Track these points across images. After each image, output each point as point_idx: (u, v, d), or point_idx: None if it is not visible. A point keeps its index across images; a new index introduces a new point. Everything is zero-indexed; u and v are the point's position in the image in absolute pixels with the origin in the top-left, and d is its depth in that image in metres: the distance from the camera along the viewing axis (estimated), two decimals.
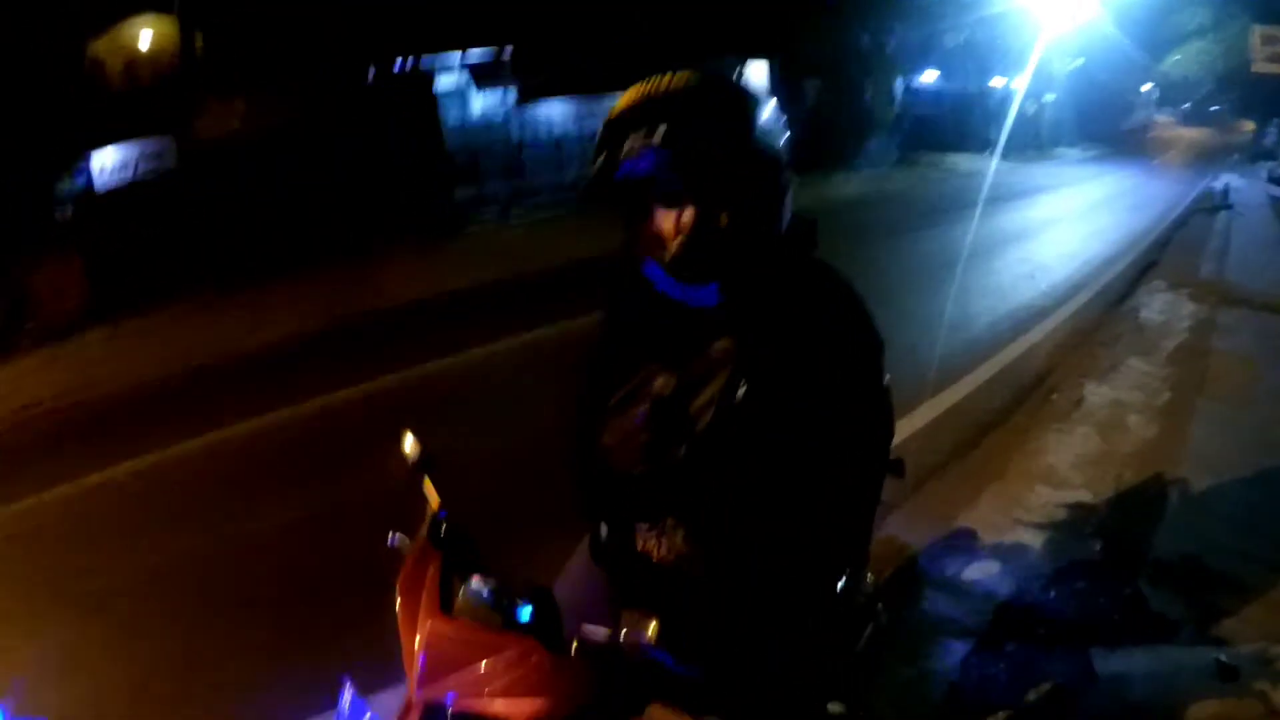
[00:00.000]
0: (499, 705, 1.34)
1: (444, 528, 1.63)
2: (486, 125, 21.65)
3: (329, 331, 10.44)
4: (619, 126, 1.46)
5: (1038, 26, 25.16)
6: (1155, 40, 32.25)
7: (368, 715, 1.43)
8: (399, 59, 18.88)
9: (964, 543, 3.77)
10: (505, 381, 7.06)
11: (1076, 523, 3.97)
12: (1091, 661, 2.99)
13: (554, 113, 22.56)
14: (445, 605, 1.46)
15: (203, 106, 17.84)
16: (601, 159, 1.47)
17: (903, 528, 3.75)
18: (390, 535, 1.76)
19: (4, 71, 15.73)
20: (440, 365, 7.52)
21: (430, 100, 18.21)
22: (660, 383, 1.60)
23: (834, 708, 1.90)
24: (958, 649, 3.08)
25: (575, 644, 1.37)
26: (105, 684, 3.64)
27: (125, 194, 17.32)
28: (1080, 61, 33.41)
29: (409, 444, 1.82)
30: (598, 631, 1.36)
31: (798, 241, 1.62)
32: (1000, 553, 3.71)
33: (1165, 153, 34.14)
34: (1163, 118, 53.71)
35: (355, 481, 5.35)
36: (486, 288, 11.54)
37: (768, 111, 1.52)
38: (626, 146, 1.43)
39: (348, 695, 1.48)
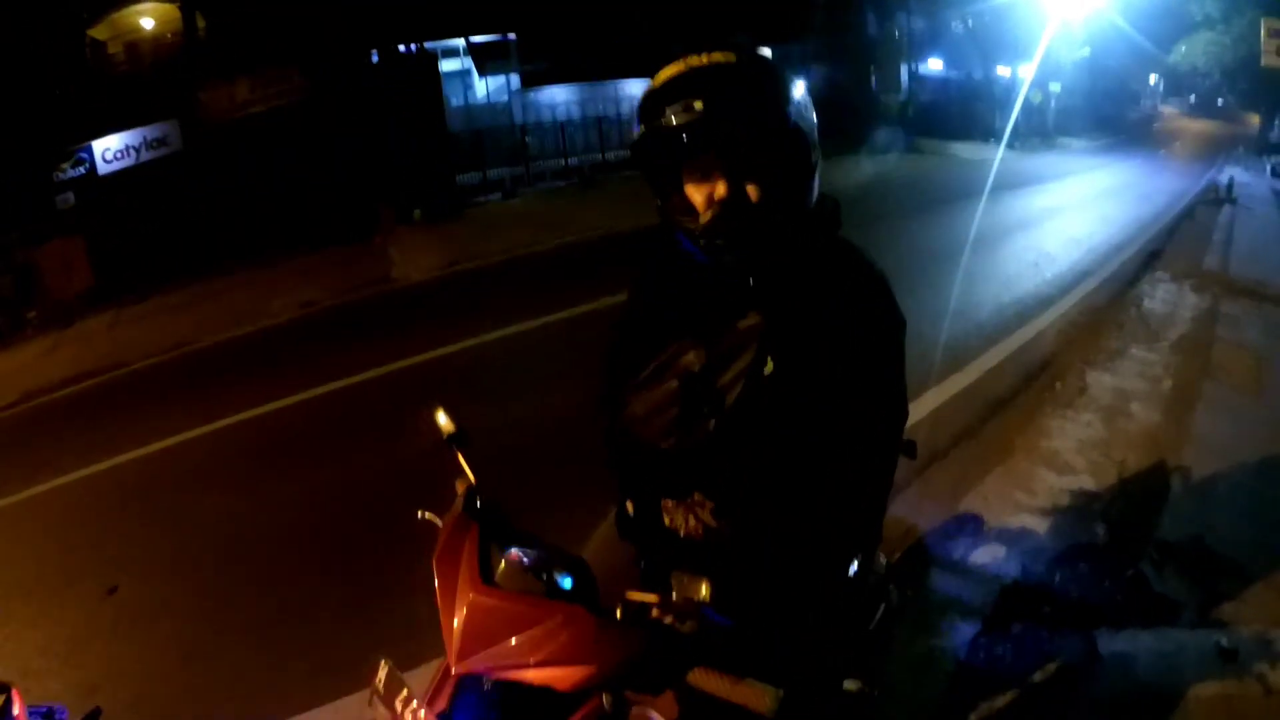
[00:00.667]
0: (544, 673, 1.35)
1: (479, 500, 1.65)
2: (490, 109, 21.73)
3: (337, 310, 10.48)
4: (659, 98, 1.50)
5: (1045, 15, 25.05)
6: (1162, 31, 32.03)
7: (404, 691, 1.45)
8: (403, 43, 18.83)
9: (970, 525, 3.83)
10: (512, 361, 7.12)
11: (1080, 507, 4.03)
12: (1096, 642, 3.05)
13: (557, 98, 22.61)
14: (485, 576, 1.48)
15: (206, 89, 17.79)
16: (641, 129, 1.52)
17: (911, 510, 3.80)
18: (419, 513, 1.79)
19: (6, 58, 15.71)
20: (453, 347, 7.55)
21: (435, 84, 18.19)
22: (690, 357, 1.61)
23: (849, 684, 1.93)
24: (965, 629, 3.14)
25: (620, 610, 1.40)
26: (130, 659, 3.71)
27: (128, 179, 17.30)
28: (1087, 51, 33.30)
29: (442, 419, 1.85)
30: (646, 596, 1.39)
31: (824, 220, 1.66)
32: (1006, 536, 3.76)
33: (1171, 144, 34.02)
34: (1169, 109, 53.53)
35: (376, 457, 5.45)
36: (488, 269, 11.54)
37: (800, 91, 1.55)
38: (666, 117, 1.47)
39: (383, 672, 1.50)
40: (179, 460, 6.07)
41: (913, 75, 31.15)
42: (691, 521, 1.72)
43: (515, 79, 22.37)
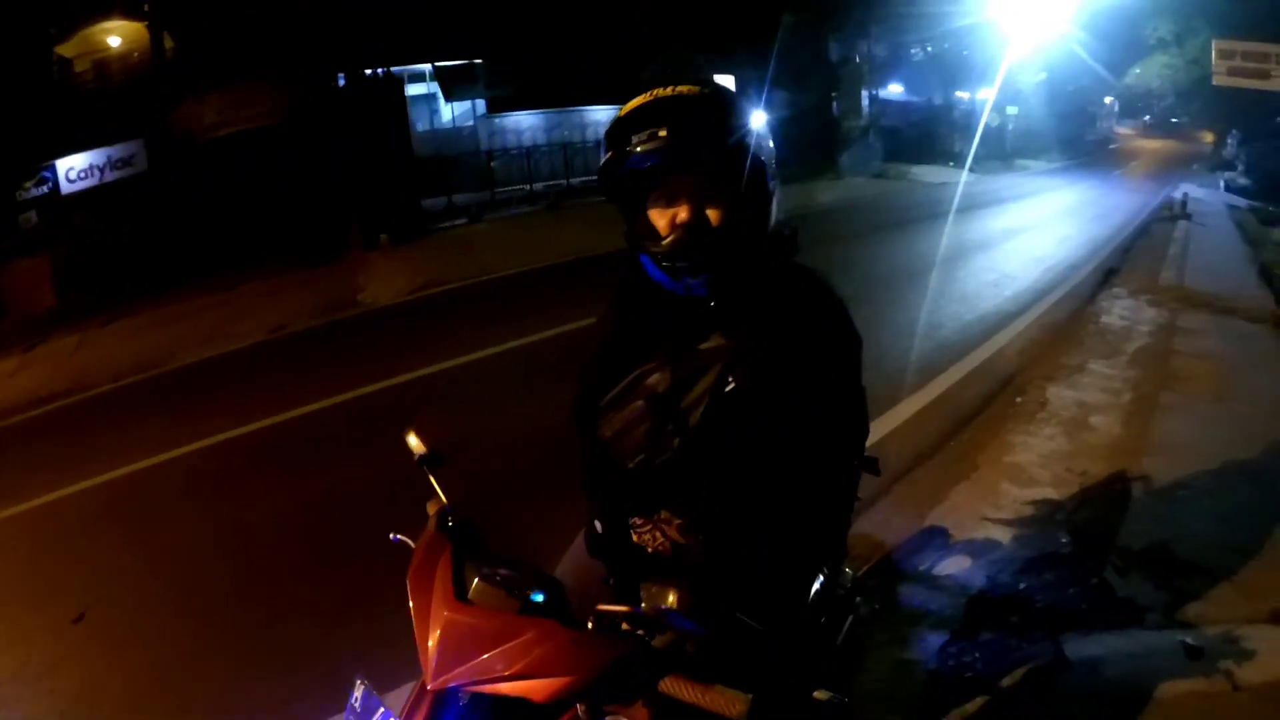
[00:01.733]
0: (520, 686, 1.38)
1: (451, 520, 1.68)
2: (456, 134, 21.77)
3: (305, 333, 10.40)
4: (626, 125, 1.57)
5: (1003, 41, 25.57)
6: (1118, 54, 32.85)
7: (380, 710, 1.46)
8: (370, 67, 18.84)
9: (936, 539, 3.88)
10: (481, 385, 7.11)
11: (1044, 518, 4.10)
12: (1063, 647, 3.10)
13: (523, 123, 22.71)
14: (459, 594, 1.50)
15: (174, 109, 17.68)
16: (609, 155, 1.58)
17: (877, 525, 3.85)
18: (391, 535, 1.80)
19: None
20: (423, 371, 7.56)
21: (401, 108, 18.23)
22: (655, 378, 1.68)
23: (820, 695, 1.96)
24: (934, 639, 3.18)
25: (592, 623, 1.43)
26: (103, 684, 3.66)
27: (93, 198, 17.12)
28: (1044, 75, 33.99)
29: (413, 440, 1.87)
30: (617, 608, 1.42)
31: (782, 244, 1.73)
32: (971, 548, 3.82)
33: (1127, 163, 34.76)
34: (1125, 129, 54.67)
35: (347, 480, 5.42)
36: (455, 293, 11.54)
37: (760, 122, 1.63)
38: (632, 143, 1.54)
39: (359, 691, 1.51)
40: (147, 483, 5.99)
41: (874, 100, 31.61)
42: (659, 538, 1.76)
43: (481, 104, 22.43)
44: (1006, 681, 2.98)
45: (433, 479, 1.80)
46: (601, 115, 23.34)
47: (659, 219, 1.62)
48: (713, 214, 1.59)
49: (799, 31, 24.48)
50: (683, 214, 1.59)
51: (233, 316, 11.75)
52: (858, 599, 2.33)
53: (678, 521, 1.74)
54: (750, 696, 1.33)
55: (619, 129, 1.58)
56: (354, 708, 1.50)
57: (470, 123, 22.22)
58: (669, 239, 1.60)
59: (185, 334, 11.20)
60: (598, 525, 1.87)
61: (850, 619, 2.30)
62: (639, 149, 1.53)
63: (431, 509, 1.76)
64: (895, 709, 2.87)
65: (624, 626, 1.46)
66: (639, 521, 1.80)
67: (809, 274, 1.73)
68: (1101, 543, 3.84)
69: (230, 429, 6.63)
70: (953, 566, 3.67)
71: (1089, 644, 3.15)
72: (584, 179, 21.11)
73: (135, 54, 20.25)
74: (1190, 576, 3.56)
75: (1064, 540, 3.89)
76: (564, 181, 21.31)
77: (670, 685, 1.38)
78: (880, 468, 2.07)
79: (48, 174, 16.91)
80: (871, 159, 26.74)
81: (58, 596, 4.47)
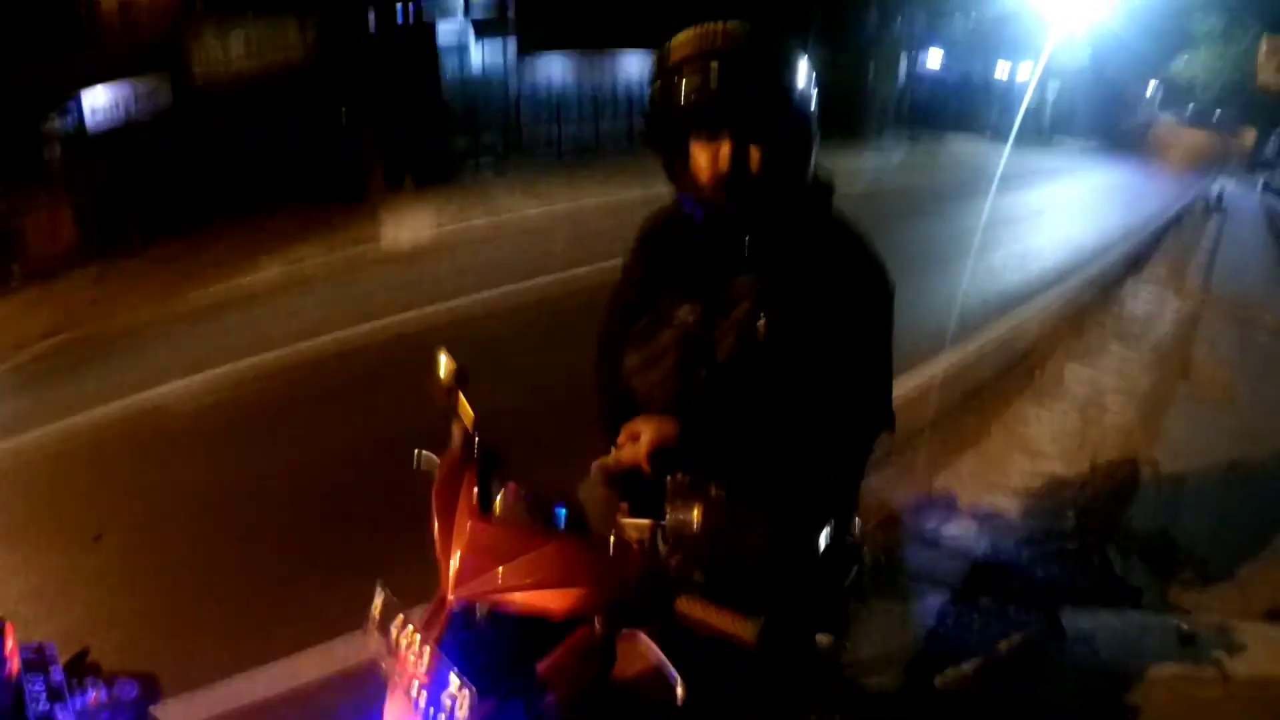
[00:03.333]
0: (539, 596, 1.41)
1: (477, 440, 1.70)
2: (485, 75, 21.52)
3: (326, 267, 10.45)
4: (675, 60, 1.57)
5: (1048, 17, 25.10)
6: (1164, 41, 32.17)
7: (399, 616, 1.48)
8: (400, 3, 18.67)
9: (944, 502, 3.93)
10: (503, 322, 7.15)
11: (1051, 492, 4.13)
12: (1060, 619, 3.15)
13: (553, 67, 22.44)
14: (484, 509, 1.54)
15: (199, 45, 17.58)
16: (657, 84, 1.60)
17: (887, 482, 3.89)
18: (416, 454, 1.82)
19: None
20: (442, 305, 7.61)
21: (431, 48, 18.06)
22: (684, 311, 1.69)
23: (821, 637, 2.01)
24: (935, 599, 3.23)
25: (612, 539, 1.46)
26: (116, 606, 3.70)
27: (117, 134, 17.10)
28: (1088, 54, 33.38)
29: (443, 362, 1.89)
30: (639, 523, 1.45)
31: (820, 191, 1.74)
32: (977, 514, 3.86)
33: (1165, 153, 34.21)
34: (1165, 118, 53.63)
35: (368, 414, 5.47)
36: (477, 232, 11.55)
37: (807, 68, 1.63)
38: (681, 78, 1.54)
39: (379, 598, 1.52)
40: (166, 413, 6.05)
41: (912, 69, 31.14)
42: (680, 472, 1.78)
43: (512, 45, 22.18)
44: (1002, 646, 3.04)
45: (461, 396, 1.81)
46: (633, 60, 23.05)
47: (700, 155, 1.62)
48: (755, 153, 1.58)
49: None
50: (725, 151, 1.58)
51: (253, 251, 11.82)
52: (864, 550, 2.37)
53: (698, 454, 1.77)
54: (761, 620, 1.36)
55: (667, 63, 1.59)
56: (373, 616, 1.52)
57: (500, 64, 21.96)
58: (710, 175, 1.60)
59: (207, 267, 11.29)
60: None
61: (855, 569, 2.34)
62: (689, 85, 1.54)
63: (456, 429, 1.77)
64: (891, 662, 2.93)
65: (637, 546, 1.48)
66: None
67: (844, 222, 1.74)
68: (1105, 523, 3.88)
69: (249, 357, 6.68)
70: (958, 530, 3.72)
71: (1085, 619, 3.19)
72: (612, 124, 20.96)
73: None
74: (1188, 566, 3.61)
75: (1069, 516, 3.93)
76: (593, 125, 21.14)
77: (685, 604, 1.42)
78: (894, 424, 2.10)
79: (72, 107, 16.88)
80: (905, 126, 26.41)
81: (75, 520, 4.49)
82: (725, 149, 1.58)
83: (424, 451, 1.81)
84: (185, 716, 2.88)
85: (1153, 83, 47.62)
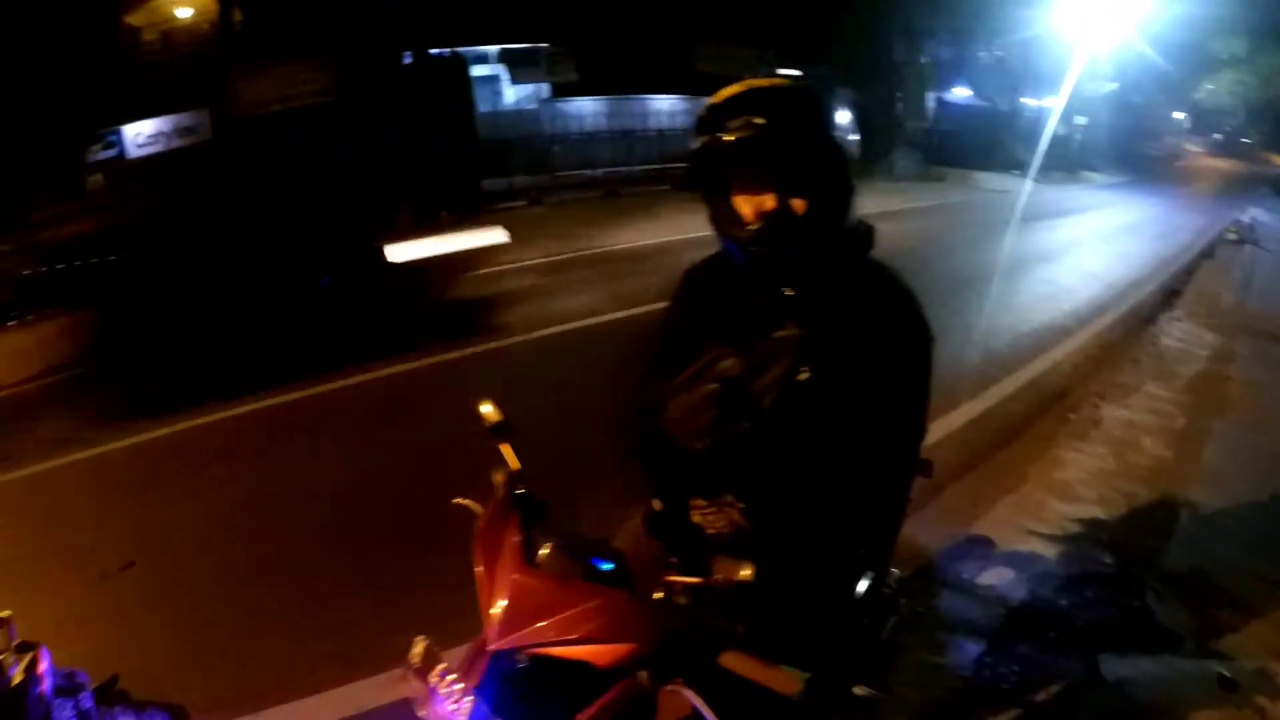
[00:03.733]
0: (584, 650, 1.44)
1: (519, 489, 1.74)
2: (518, 117, 21.86)
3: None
4: (722, 112, 1.64)
5: (1072, 49, 25.10)
6: (1188, 68, 32.03)
7: (440, 667, 1.51)
8: (436, 47, 19.02)
9: (980, 548, 3.91)
10: (535, 361, 7.22)
11: (1088, 535, 4.10)
12: (1099, 666, 3.12)
13: (585, 109, 22.76)
14: (528, 560, 1.57)
15: (240, 81, 17.99)
16: (701, 140, 1.65)
17: (922, 529, 3.87)
18: (455, 500, 1.86)
19: (41, 40, 15.94)
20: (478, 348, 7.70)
21: (465, 89, 18.36)
22: (728, 363, 1.72)
23: (859, 690, 2.00)
24: (971, 647, 3.22)
25: (660, 593, 1.49)
26: (144, 635, 3.76)
27: (157, 164, 17.52)
28: (1113, 86, 33.29)
29: (487, 409, 1.93)
30: (688, 579, 1.48)
31: (860, 239, 1.78)
32: (1014, 560, 3.84)
33: (1194, 182, 33.96)
34: (1193, 146, 53.27)
35: (403, 447, 5.56)
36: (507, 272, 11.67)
37: (844, 118, 1.68)
38: (727, 129, 1.61)
39: (419, 648, 1.56)
40: (194, 441, 6.14)
41: (939, 102, 31.21)
42: (721, 521, 1.81)
43: (545, 88, 22.52)
44: (1040, 696, 3.02)
45: (505, 448, 1.85)
46: (663, 105, 23.31)
47: (744, 205, 1.67)
48: (796, 204, 1.64)
49: (863, 28, 24.26)
50: (768, 202, 1.64)
51: None
52: (901, 599, 2.37)
53: (741, 505, 1.79)
54: (807, 675, 1.38)
55: (714, 114, 1.65)
56: (412, 663, 1.55)
57: (533, 106, 22.29)
58: (754, 224, 1.65)
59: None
60: (656, 505, 1.91)
61: (893, 619, 2.34)
62: (733, 134, 1.59)
63: (498, 478, 1.80)
64: (927, 713, 2.91)
65: (681, 601, 1.51)
66: (702, 503, 1.84)
67: (884, 269, 1.78)
68: (1143, 565, 3.84)
69: (283, 392, 6.79)
70: (994, 577, 3.70)
71: (1124, 665, 3.16)
72: (643, 167, 21.14)
73: (204, 25, 20.61)
74: (1227, 606, 3.56)
75: (1106, 560, 3.89)
76: (624, 168, 21.36)
77: (730, 659, 1.44)
78: (932, 471, 2.11)
79: (114, 138, 17.33)
80: (932, 161, 26.42)
81: (103, 547, 4.57)
82: (769, 199, 1.64)
83: (464, 500, 1.85)
84: None
85: (1179, 112, 47.38)
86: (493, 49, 21.83)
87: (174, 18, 21.08)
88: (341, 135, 16.52)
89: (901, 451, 1.75)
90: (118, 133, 17.32)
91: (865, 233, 1.79)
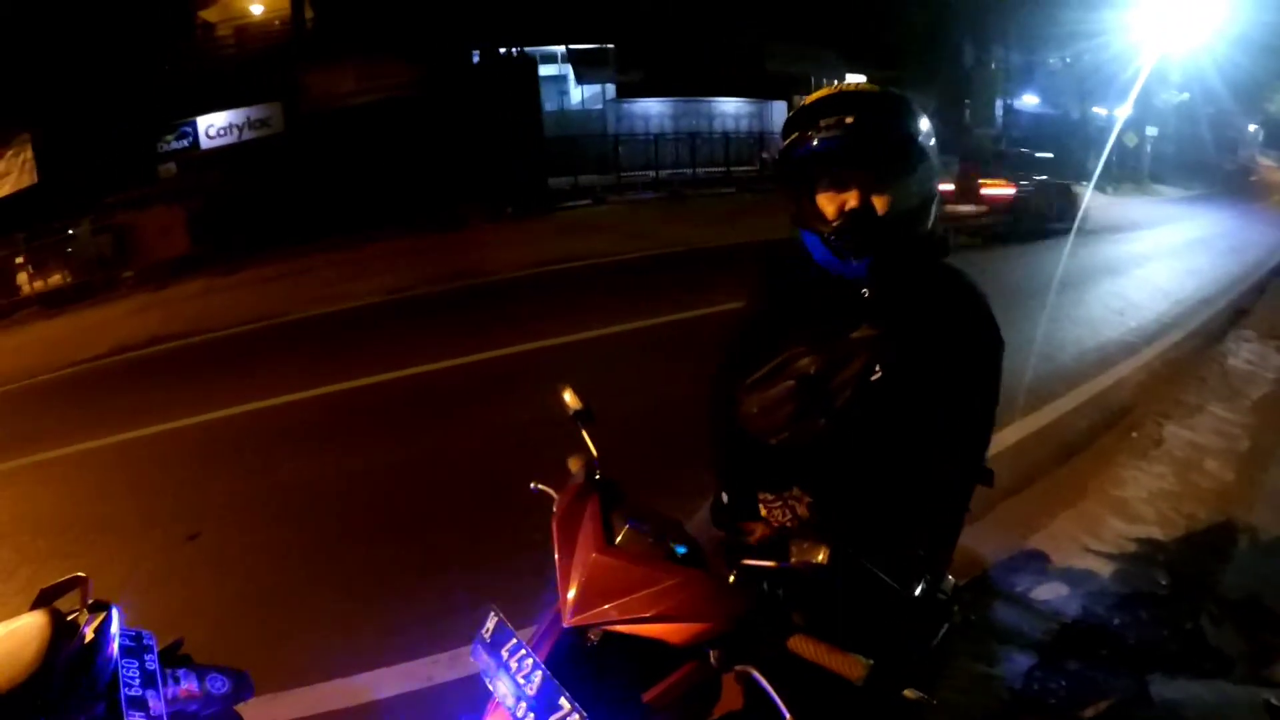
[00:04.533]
0: (659, 628, 1.50)
1: (598, 473, 1.82)
2: (584, 116, 22.05)
3: (425, 296, 10.77)
4: (814, 112, 1.72)
5: (1143, 56, 24.54)
6: (1263, 79, 31.09)
7: (513, 640, 1.55)
8: (505, 46, 19.24)
9: (1035, 562, 3.92)
10: (605, 359, 7.33)
11: (1145, 555, 4.08)
12: (1148, 686, 3.13)
13: (650, 110, 22.86)
14: (607, 540, 1.63)
15: (311, 76, 18.40)
16: (793, 136, 1.74)
17: (979, 540, 3.90)
18: (532, 485, 1.94)
19: (120, 34, 16.48)
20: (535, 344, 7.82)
21: (533, 87, 18.59)
22: (805, 362, 1.81)
23: (909, 693, 2.06)
24: (1022, 660, 3.24)
25: (734, 575, 1.55)
26: (208, 600, 3.93)
27: (229, 154, 18.00)
28: (1185, 96, 32.48)
29: (569, 397, 2.02)
30: (765, 562, 1.54)
31: (936, 244, 1.86)
32: (1069, 576, 3.84)
33: (1268, 197, 32.90)
34: (1267, 161, 51.55)
35: (462, 437, 5.73)
36: (575, 271, 11.79)
37: (928, 126, 1.76)
38: (818, 128, 1.69)
39: (492, 622, 1.60)
40: (264, 423, 6.37)
41: (1008, 110, 30.73)
42: (787, 514, 1.88)
43: (611, 88, 22.67)
44: (1087, 713, 3.03)
45: (585, 433, 1.92)
46: (729, 107, 23.30)
47: (827, 204, 1.75)
48: (879, 203, 1.71)
49: (932, 33, 23.98)
50: (852, 200, 1.72)
51: (355, 275, 12.25)
52: (955, 607, 2.41)
53: (808, 499, 1.86)
54: (871, 662, 1.44)
55: (805, 114, 1.73)
56: (484, 637, 1.59)
57: (599, 106, 22.47)
58: (838, 221, 1.72)
59: (308, 288, 11.74)
60: (724, 497, 1.99)
61: (946, 625, 2.38)
62: (824, 134, 1.67)
63: (575, 464, 1.87)
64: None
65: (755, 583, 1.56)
66: (769, 497, 1.91)
67: (959, 274, 1.84)
68: (1199, 588, 3.82)
69: (346, 380, 7.02)
70: (1048, 592, 3.71)
71: (1173, 687, 3.16)
72: (707, 169, 21.14)
73: (276, 21, 21.12)
74: None
75: (1162, 581, 3.87)
76: (688, 170, 21.40)
77: (798, 643, 1.49)
78: (993, 481, 2.16)
79: (188, 129, 17.89)
80: (1000, 171, 26.00)
81: (173, 515, 4.82)
82: (853, 198, 1.72)
83: (540, 485, 1.93)
84: (274, 715, 3.00)
85: (1253, 125, 45.94)
86: (560, 49, 22.03)
87: (248, 14, 21.66)
88: (411, 132, 16.83)
89: (966, 456, 1.81)
90: (191, 124, 17.85)
91: (943, 237, 1.87)
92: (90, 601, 2.20)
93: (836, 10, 22.28)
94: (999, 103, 30.31)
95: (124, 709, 2.02)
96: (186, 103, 17.93)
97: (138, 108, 16.99)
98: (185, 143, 18.19)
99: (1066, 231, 15.08)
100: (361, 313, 10.27)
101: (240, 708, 2.54)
